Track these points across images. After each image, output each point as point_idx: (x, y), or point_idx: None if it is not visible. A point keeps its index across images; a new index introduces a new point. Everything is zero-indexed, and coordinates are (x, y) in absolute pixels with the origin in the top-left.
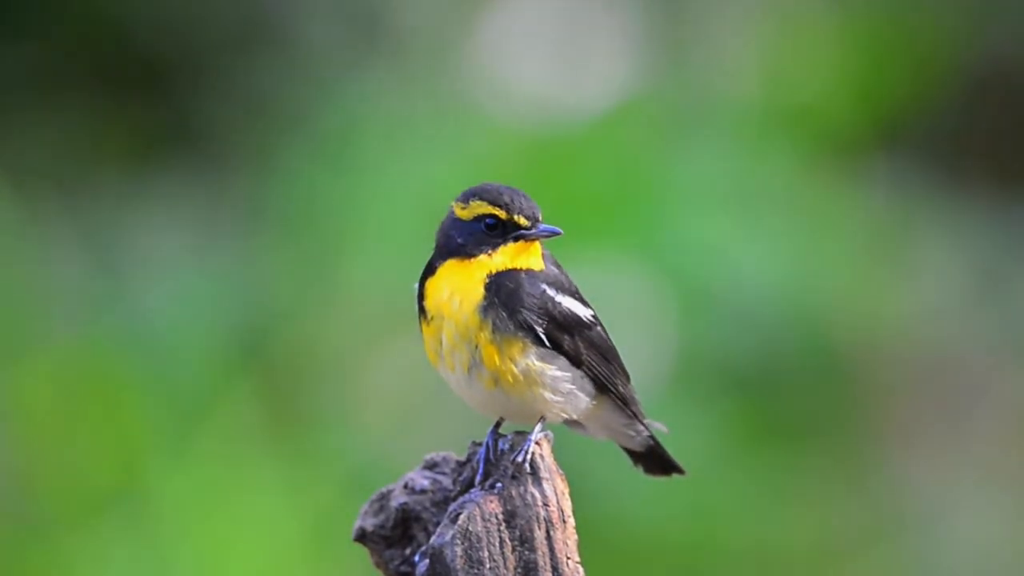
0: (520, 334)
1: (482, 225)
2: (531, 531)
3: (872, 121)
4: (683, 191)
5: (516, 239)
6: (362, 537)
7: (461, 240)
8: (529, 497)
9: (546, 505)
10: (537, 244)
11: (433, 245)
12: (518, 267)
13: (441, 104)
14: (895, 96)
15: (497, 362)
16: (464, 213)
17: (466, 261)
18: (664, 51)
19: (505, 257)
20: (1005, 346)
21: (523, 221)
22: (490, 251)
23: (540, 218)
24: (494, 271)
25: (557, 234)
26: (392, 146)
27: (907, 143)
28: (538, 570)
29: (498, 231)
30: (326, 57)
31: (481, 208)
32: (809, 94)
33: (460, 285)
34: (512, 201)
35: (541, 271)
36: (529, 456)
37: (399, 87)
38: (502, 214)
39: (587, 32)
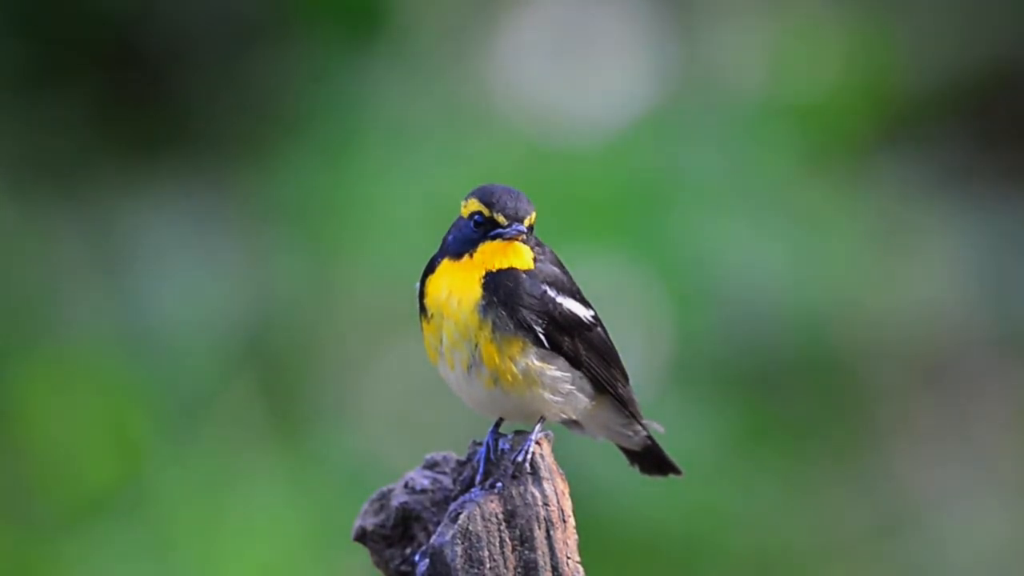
0: (520, 334)
1: (471, 223)
2: (531, 531)
3: (875, 120)
4: (684, 189)
5: (493, 237)
6: (362, 536)
7: (451, 238)
8: (529, 497)
9: (546, 505)
10: (517, 244)
11: (437, 244)
12: (504, 266)
13: (448, 106)
14: (898, 95)
15: (497, 361)
16: (464, 211)
17: (458, 259)
18: (674, 60)
19: (484, 255)
20: (1006, 345)
21: (502, 219)
22: (472, 249)
23: (523, 218)
24: (488, 270)
25: (522, 232)
26: (398, 146)
27: (910, 142)
28: (538, 570)
29: (482, 229)
30: (332, 54)
31: (474, 206)
32: (812, 93)
33: (457, 284)
34: (498, 200)
35: (542, 270)
36: (529, 456)
37: (406, 87)
38: (487, 212)
39: (598, 44)
